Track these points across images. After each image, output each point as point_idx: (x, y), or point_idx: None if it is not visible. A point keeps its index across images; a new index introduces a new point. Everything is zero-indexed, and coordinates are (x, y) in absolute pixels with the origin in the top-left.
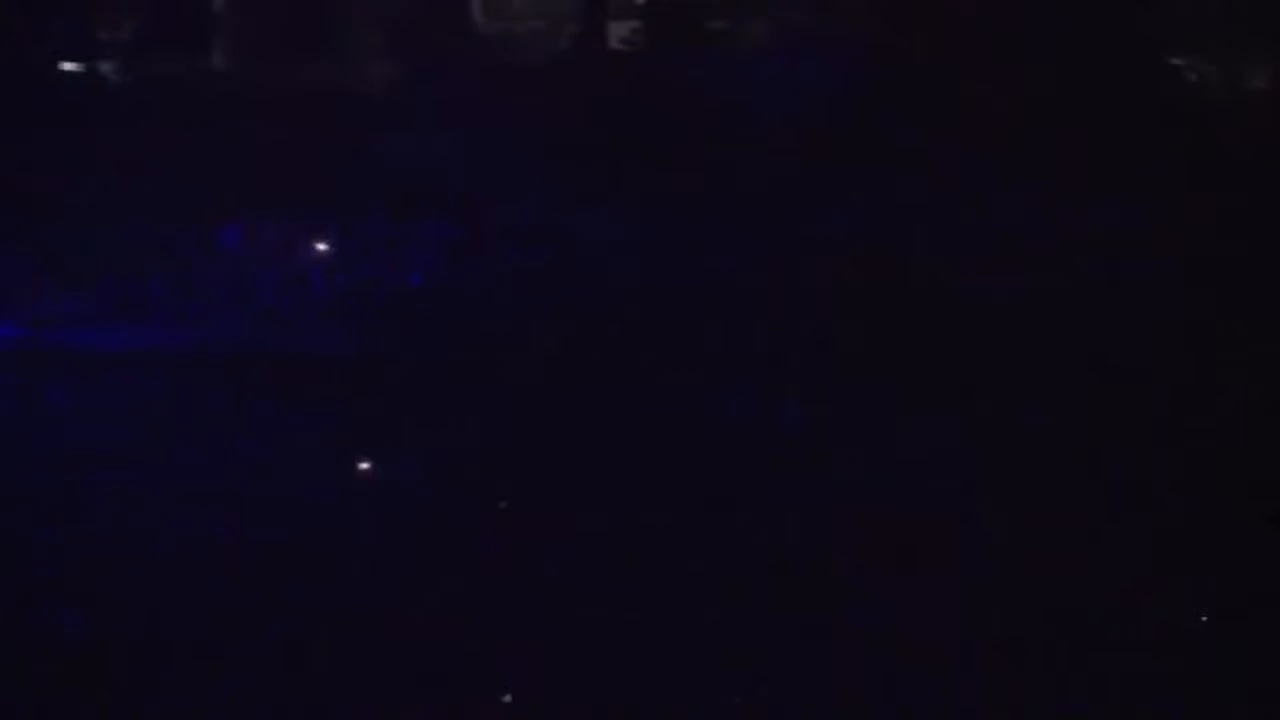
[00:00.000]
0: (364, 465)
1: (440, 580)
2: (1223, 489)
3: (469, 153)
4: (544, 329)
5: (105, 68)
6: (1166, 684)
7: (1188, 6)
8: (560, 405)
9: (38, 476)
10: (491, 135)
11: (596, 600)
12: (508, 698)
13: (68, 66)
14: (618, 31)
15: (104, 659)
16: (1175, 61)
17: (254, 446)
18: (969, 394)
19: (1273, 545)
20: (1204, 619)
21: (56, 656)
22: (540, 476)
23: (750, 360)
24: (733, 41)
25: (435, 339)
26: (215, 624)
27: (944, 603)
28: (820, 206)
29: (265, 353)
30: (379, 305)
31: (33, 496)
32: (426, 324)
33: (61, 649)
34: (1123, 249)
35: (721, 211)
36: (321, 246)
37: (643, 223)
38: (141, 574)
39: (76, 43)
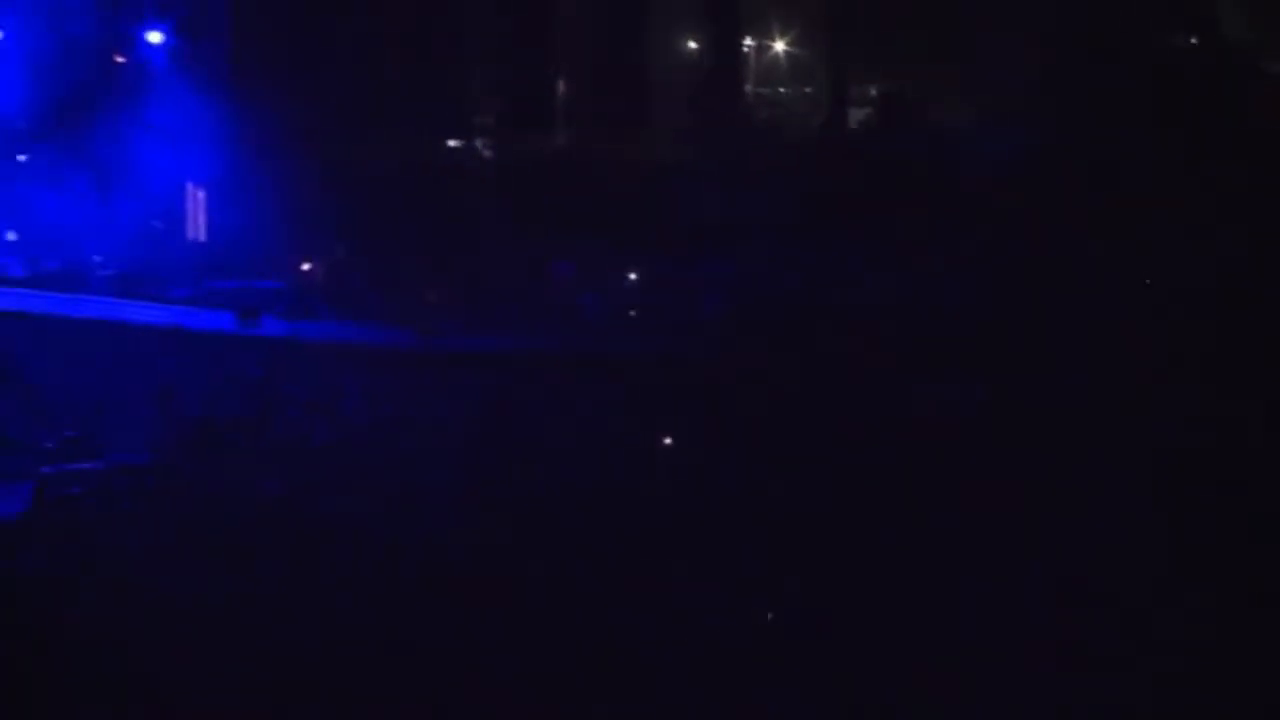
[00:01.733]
0: (666, 440)
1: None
2: None
3: (745, 207)
4: (803, 340)
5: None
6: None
7: None
8: (815, 396)
9: (426, 445)
10: (762, 194)
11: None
12: (770, 615)
13: (450, 143)
14: (855, 116)
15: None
16: None
17: (583, 424)
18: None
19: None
20: None
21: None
22: (800, 455)
23: (974, 363)
24: (942, 124)
25: (719, 347)
26: (569, 554)
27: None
28: (1012, 248)
29: (588, 355)
30: (675, 321)
31: (423, 462)
32: (712, 335)
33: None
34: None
35: (931, 253)
36: (631, 278)
37: (873, 260)
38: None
39: (454, 125)
